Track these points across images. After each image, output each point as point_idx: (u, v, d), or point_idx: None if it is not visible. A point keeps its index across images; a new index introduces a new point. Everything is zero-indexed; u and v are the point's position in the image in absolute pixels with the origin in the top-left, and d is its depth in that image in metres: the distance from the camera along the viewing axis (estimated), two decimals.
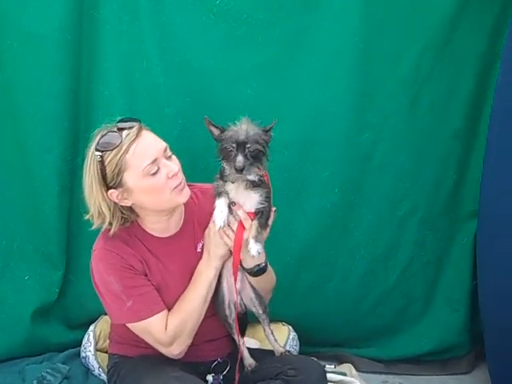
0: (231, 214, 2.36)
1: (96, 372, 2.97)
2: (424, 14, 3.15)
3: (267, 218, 2.37)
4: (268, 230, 2.41)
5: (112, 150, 2.24)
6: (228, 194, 2.33)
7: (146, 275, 2.42)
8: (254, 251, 2.30)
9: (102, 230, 2.41)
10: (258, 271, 2.44)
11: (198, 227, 2.52)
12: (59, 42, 2.85)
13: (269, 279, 2.57)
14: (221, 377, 2.56)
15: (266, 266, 2.47)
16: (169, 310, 2.42)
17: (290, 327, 3.35)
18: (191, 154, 3.05)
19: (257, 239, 2.31)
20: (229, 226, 2.36)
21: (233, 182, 2.31)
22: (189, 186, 2.44)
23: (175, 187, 2.32)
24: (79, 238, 3.00)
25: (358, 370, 3.27)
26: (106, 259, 2.37)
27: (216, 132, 2.34)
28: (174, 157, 2.38)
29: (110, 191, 2.29)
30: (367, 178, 3.31)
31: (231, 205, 2.34)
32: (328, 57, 3.14)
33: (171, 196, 2.32)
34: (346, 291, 3.39)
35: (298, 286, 3.33)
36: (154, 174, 2.27)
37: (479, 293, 3.20)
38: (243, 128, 2.28)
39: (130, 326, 2.40)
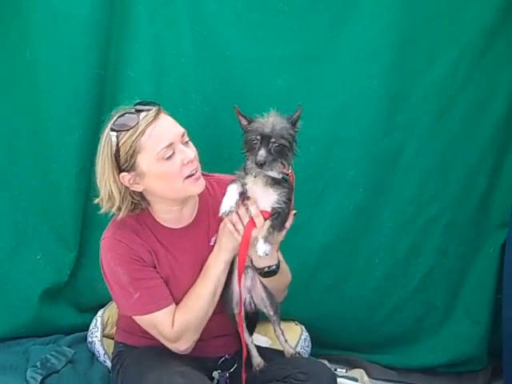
0: (245, 207, 2.26)
1: (101, 358, 2.94)
2: (465, 17, 3.07)
3: (284, 221, 2.26)
4: (284, 233, 2.29)
5: (128, 130, 2.19)
6: (245, 185, 2.24)
7: (155, 267, 2.36)
8: (261, 251, 2.18)
9: (111, 216, 2.37)
10: (268, 273, 2.35)
11: (213, 219, 2.43)
12: (89, 21, 2.83)
13: (282, 279, 2.48)
14: (227, 374, 2.49)
15: (278, 268, 2.36)
16: (177, 303, 2.36)
17: (303, 327, 3.29)
18: (216, 142, 3.03)
19: (266, 239, 2.19)
20: (240, 220, 2.26)
21: (255, 177, 2.22)
22: (204, 175, 2.38)
23: (189, 175, 2.25)
24: (95, 221, 2.96)
25: (370, 376, 3.22)
26: (114, 249, 2.31)
27: (244, 122, 2.26)
28: (191, 144, 2.31)
29: (122, 174, 2.23)
30: (393, 180, 3.23)
31: (245, 199, 2.25)
32: (362, 53, 3.08)
33: (184, 185, 2.25)
34: (362, 295, 3.32)
35: (313, 286, 3.27)
36: (169, 158, 2.20)
37: (504, 306, 3.10)
38: (270, 121, 2.19)
39: (136, 318, 2.35)
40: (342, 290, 3.30)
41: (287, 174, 2.24)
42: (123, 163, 2.22)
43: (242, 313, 2.40)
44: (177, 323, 2.31)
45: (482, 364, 3.39)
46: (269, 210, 2.22)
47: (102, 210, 2.33)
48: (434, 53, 3.12)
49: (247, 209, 2.24)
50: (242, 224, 2.25)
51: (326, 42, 3.07)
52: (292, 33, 3.05)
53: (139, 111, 2.23)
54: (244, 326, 2.45)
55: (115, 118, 2.24)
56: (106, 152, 2.23)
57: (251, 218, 2.23)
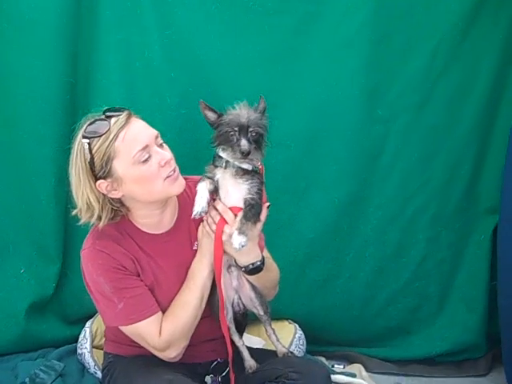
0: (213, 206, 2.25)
1: (92, 370, 2.90)
2: (440, 7, 3.09)
3: (258, 212, 2.22)
4: (259, 226, 2.25)
5: (100, 136, 2.15)
6: (214, 179, 2.22)
7: (139, 275, 2.31)
8: (237, 244, 2.14)
9: (91, 226, 2.31)
10: (253, 270, 2.30)
11: (194, 223, 2.38)
12: (56, 28, 2.80)
13: (269, 276, 2.43)
14: (219, 378, 2.43)
15: (263, 263, 2.32)
16: (163, 310, 2.31)
17: (297, 326, 3.26)
18: (195, 145, 2.99)
19: (241, 231, 2.15)
20: (213, 220, 2.24)
21: (225, 168, 2.19)
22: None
23: (167, 176, 2.21)
24: (77, 231, 2.86)
25: (368, 370, 3.21)
26: (95, 259, 2.25)
27: (213, 116, 2.23)
28: (165, 146, 2.28)
29: (99, 182, 2.18)
30: (377, 173, 3.23)
31: (214, 199, 2.23)
32: (337, 48, 3.08)
33: (164, 186, 2.21)
34: (354, 290, 3.30)
35: (304, 283, 3.25)
36: (145, 161, 2.16)
37: (498, 292, 3.09)
38: (244, 111, 2.19)
39: (122, 328, 2.29)
40: (333, 286, 3.27)
41: (257, 166, 2.22)
42: (99, 170, 2.17)
43: (225, 312, 2.35)
44: (164, 332, 2.25)
45: (481, 351, 3.38)
46: (241, 201, 2.20)
47: (82, 221, 2.27)
48: (410, 45, 3.13)
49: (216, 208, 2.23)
50: (215, 223, 2.23)
51: (300, 38, 3.06)
52: (265, 31, 3.03)
53: (109, 117, 2.19)
54: (233, 328, 2.41)
55: (85, 125, 2.19)
56: (80, 161, 2.18)
57: (221, 217, 2.21)
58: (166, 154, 2.22)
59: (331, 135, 3.14)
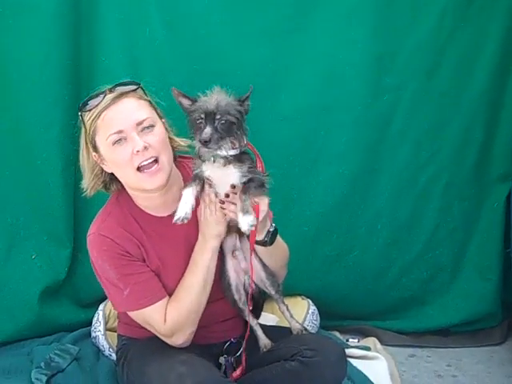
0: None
1: (106, 352, 2.91)
2: None
3: (260, 185, 2.15)
4: (266, 199, 2.17)
5: (87, 111, 2.18)
6: (203, 173, 2.14)
7: (144, 260, 2.30)
8: (245, 225, 2.07)
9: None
10: (271, 237, 2.25)
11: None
12: (56, 12, 2.76)
13: (279, 254, 2.41)
14: (232, 359, 2.41)
15: (276, 229, 2.28)
16: (170, 294, 2.29)
17: (310, 301, 3.25)
18: None
19: (244, 210, 2.08)
20: (213, 202, 2.18)
21: (214, 162, 2.11)
22: (181, 157, 2.34)
23: (142, 168, 2.15)
24: (87, 214, 2.85)
25: (382, 343, 3.19)
26: (99, 245, 2.25)
27: (186, 103, 2.15)
28: (155, 131, 2.20)
29: (93, 153, 2.22)
30: (387, 144, 3.19)
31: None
32: (342, 16, 3.03)
33: (137, 177, 2.16)
34: (367, 262, 3.28)
35: (316, 258, 3.23)
36: (118, 145, 2.14)
37: None
38: (213, 98, 2.08)
39: (130, 314, 2.30)
40: (346, 260, 3.26)
41: (242, 147, 2.14)
42: (89, 142, 2.21)
43: (238, 297, 2.35)
44: (169, 319, 2.24)
45: (496, 320, 3.37)
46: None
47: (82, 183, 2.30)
48: (416, 10, 3.07)
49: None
50: (216, 209, 2.17)
51: (302, 9, 3.01)
52: (268, 5, 2.98)
53: (111, 91, 2.18)
54: (247, 309, 2.38)
55: (87, 98, 2.22)
56: (81, 130, 2.24)
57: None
58: (140, 142, 2.13)
59: (339, 106, 3.11)
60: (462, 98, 3.19)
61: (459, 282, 3.37)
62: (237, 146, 2.10)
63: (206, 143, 2.02)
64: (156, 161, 2.15)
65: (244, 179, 2.12)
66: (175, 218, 2.10)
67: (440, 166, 3.24)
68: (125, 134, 2.13)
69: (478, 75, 3.17)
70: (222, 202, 2.14)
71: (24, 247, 3.01)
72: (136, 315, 2.27)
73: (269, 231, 2.25)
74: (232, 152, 2.09)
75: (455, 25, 3.09)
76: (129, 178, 2.19)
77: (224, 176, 2.12)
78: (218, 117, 2.04)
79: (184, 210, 2.11)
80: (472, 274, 3.35)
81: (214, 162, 2.11)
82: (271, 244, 2.28)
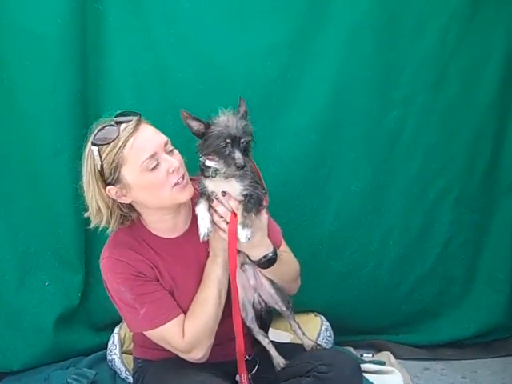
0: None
1: (123, 375, 2.91)
2: None
3: (259, 202, 2.22)
4: (264, 213, 2.28)
5: (109, 143, 2.15)
6: (208, 191, 2.21)
7: (158, 280, 2.32)
8: (243, 237, 2.15)
9: (108, 233, 2.35)
10: (266, 262, 2.29)
11: None
12: (61, 39, 2.74)
13: (286, 270, 2.43)
14: (249, 376, 2.40)
15: (275, 255, 2.31)
16: (185, 312, 2.32)
17: (323, 317, 3.25)
18: None
19: (244, 224, 2.16)
20: (221, 217, 2.23)
21: (213, 177, 2.19)
22: (191, 179, 2.36)
23: (176, 184, 2.20)
24: (98, 239, 2.79)
25: (397, 357, 3.19)
26: (113, 269, 2.28)
27: (196, 126, 2.18)
28: (175, 151, 2.26)
29: (109, 187, 2.19)
30: (396, 158, 3.18)
31: (222, 194, 2.21)
32: (348, 31, 3.01)
33: (172, 193, 2.21)
34: (379, 277, 3.28)
35: (328, 274, 3.23)
36: (154, 169, 2.16)
37: None
38: (231, 121, 2.14)
39: (147, 334, 2.32)
40: (358, 276, 3.25)
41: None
42: (108, 177, 2.18)
43: (244, 314, 2.38)
44: (187, 333, 2.27)
45: (509, 331, 3.39)
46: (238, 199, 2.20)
47: (92, 225, 2.30)
48: (422, 22, 3.06)
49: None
50: (226, 221, 2.22)
51: (309, 24, 2.98)
52: (273, 19, 2.95)
53: (119, 123, 2.18)
54: (256, 327, 2.43)
55: (95, 131, 2.19)
56: (90, 167, 2.20)
57: (232, 212, 2.20)
58: (174, 161, 2.20)
59: (347, 122, 3.09)
60: (469, 110, 3.18)
61: (471, 294, 3.38)
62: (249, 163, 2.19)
63: (242, 168, 2.10)
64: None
65: (245, 192, 2.18)
66: (201, 236, 2.21)
67: (450, 178, 3.24)
68: (157, 157, 2.16)
69: (484, 86, 3.16)
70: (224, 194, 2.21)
71: (37, 275, 2.99)
72: (153, 334, 2.30)
73: (265, 256, 2.28)
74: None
75: (460, 37, 3.08)
76: (163, 196, 2.21)
77: (226, 188, 2.19)
78: (242, 140, 2.11)
79: (205, 226, 2.21)
80: (484, 286, 3.36)
81: (214, 177, 2.17)
82: (264, 268, 2.31)
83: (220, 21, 2.92)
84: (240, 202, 2.19)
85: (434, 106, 3.15)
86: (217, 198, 2.21)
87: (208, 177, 2.19)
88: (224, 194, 2.20)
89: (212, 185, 2.20)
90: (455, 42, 3.08)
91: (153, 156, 2.15)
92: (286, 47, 2.99)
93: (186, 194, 2.25)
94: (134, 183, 2.18)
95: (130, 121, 2.18)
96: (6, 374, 2.94)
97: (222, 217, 2.22)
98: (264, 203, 2.27)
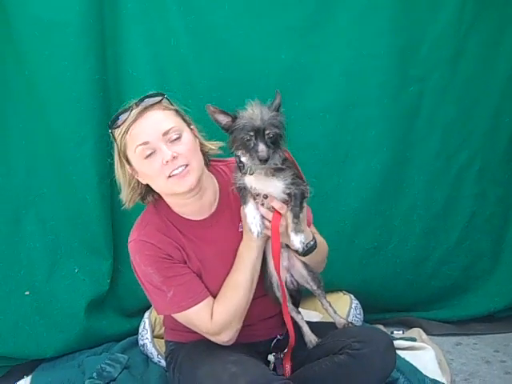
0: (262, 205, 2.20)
1: (155, 359, 2.93)
2: None
3: (302, 199, 2.18)
4: (306, 208, 2.23)
5: (115, 128, 2.22)
6: (249, 187, 2.16)
7: (185, 262, 2.32)
8: (297, 243, 2.13)
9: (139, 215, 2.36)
10: (308, 251, 2.27)
11: (236, 204, 2.35)
12: (81, 28, 2.79)
13: (319, 251, 2.40)
14: (281, 355, 2.43)
15: (315, 242, 2.30)
16: (213, 295, 2.31)
17: (352, 296, 3.25)
18: None
19: (296, 230, 2.13)
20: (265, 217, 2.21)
21: (251, 174, 2.13)
22: (214, 161, 2.37)
23: (171, 175, 2.17)
24: (125, 225, 2.86)
25: (428, 333, 3.18)
26: (141, 251, 2.28)
27: (225, 120, 2.13)
28: (184, 139, 2.21)
29: (128, 167, 2.25)
30: (416, 133, 3.19)
31: (263, 197, 2.17)
32: (363, 10, 3.03)
33: (167, 184, 2.19)
34: (406, 253, 3.27)
35: (354, 252, 3.23)
36: (148, 157, 2.17)
37: None
38: (256, 112, 2.07)
39: (175, 316, 2.32)
40: (384, 252, 3.26)
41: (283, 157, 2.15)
42: (123, 156, 2.24)
43: (287, 298, 2.35)
44: (217, 315, 2.26)
45: None
46: (281, 196, 2.16)
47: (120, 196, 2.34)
48: None
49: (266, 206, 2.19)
50: (268, 219, 2.19)
51: (323, 7, 3.01)
52: (287, 4, 2.99)
53: (137, 105, 2.20)
54: (290, 305, 2.40)
55: (116, 114, 2.25)
56: (115, 146, 2.27)
57: (275, 210, 2.17)
58: (167, 152, 2.15)
59: (365, 101, 3.11)
60: (487, 83, 3.18)
61: (500, 267, 3.36)
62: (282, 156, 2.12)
63: (265, 161, 2.03)
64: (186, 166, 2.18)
65: (288, 191, 2.14)
66: (254, 234, 2.19)
67: (471, 152, 3.24)
68: (153, 146, 2.16)
69: (502, 59, 3.17)
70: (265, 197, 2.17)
71: (66, 262, 3.04)
72: (181, 316, 2.30)
73: (307, 244, 2.25)
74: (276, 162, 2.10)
75: (476, 11, 3.08)
76: (161, 186, 2.22)
77: (267, 187, 2.15)
78: (267, 132, 2.03)
79: (256, 226, 2.17)
80: None
81: (252, 174, 2.12)
82: (305, 256, 2.30)
83: (235, 6, 2.96)
84: (285, 202, 2.15)
85: (451, 81, 3.16)
86: (257, 195, 2.18)
87: (245, 173, 2.14)
88: (266, 196, 2.16)
89: (252, 182, 2.14)
90: (472, 16, 3.09)
91: (145, 144, 2.16)
92: (300, 29, 3.02)
93: (183, 186, 2.20)
94: (137, 168, 2.22)
95: (143, 105, 2.19)
96: (40, 361, 2.97)
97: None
98: (306, 195, 2.21)
